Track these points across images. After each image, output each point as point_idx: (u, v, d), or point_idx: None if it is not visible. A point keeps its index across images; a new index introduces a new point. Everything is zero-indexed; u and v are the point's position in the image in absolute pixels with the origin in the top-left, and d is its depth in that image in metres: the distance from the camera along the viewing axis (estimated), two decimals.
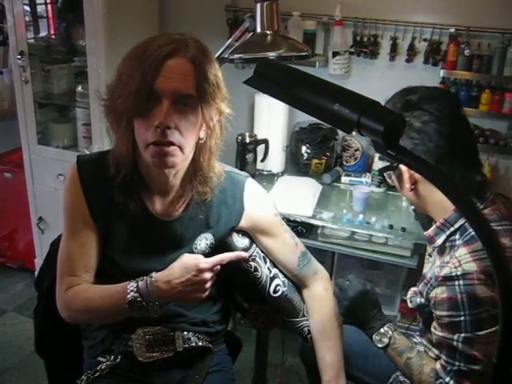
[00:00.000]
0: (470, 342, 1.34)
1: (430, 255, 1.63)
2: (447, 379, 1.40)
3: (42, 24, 3.43)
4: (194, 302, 1.58)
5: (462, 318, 1.34)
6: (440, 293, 1.38)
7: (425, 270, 1.62)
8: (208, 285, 1.40)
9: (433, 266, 1.53)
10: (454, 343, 1.37)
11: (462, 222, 1.43)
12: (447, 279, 1.36)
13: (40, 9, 3.40)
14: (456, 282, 1.34)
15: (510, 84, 2.77)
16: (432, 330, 1.46)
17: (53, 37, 3.42)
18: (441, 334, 1.41)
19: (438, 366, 1.45)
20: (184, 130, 1.32)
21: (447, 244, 1.48)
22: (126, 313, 1.38)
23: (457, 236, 1.44)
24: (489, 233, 0.78)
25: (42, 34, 3.44)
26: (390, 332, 1.54)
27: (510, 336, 0.78)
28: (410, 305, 1.60)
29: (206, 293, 1.41)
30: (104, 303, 1.41)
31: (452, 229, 1.45)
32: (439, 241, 1.49)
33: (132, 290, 1.35)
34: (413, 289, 1.60)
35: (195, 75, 1.31)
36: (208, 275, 1.39)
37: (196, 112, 1.34)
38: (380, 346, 1.54)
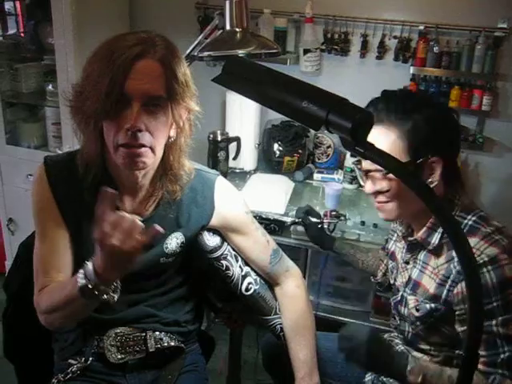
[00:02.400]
0: (507, 324, 1.34)
1: (407, 262, 1.60)
2: (500, 371, 1.36)
3: (11, 21, 3.38)
4: (165, 302, 1.58)
5: (495, 304, 1.33)
6: None
7: (414, 277, 1.56)
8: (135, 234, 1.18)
9: (424, 270, 1.51)
10: (494, 329, 1.34)
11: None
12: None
13: (8, 5, 3.34)
14: (484, 269, 1.33)
15: (479, 81, 2.81)
16: (459, 329, 1.43)
17: (22, 34, 3.36)
18: None
19: (480, 366, 1.38)
20: (154, 131, 1.31)
21: (444, 241, 1.46)
22: (82, 304, 1.28)
23: None
24: (459, 232, 0.79)
25: (11, 31, 3.38)
26: (416, 363, 1.46)
27: (478, 331, 0.79)
28: (416, 314, 1.52)
29: (140, 244, 1.19)
30: (61, 296, 1.33)
31: None
32: (434, 240, 1.47)
33: (81, 277, 1.24)
34: (412, 297, 1.55)
35: (165, 76, 1.29)
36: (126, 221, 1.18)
37: (166, 112, 1.33)
38: (420, 380, 1.43)
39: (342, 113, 0.80)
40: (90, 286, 1.22)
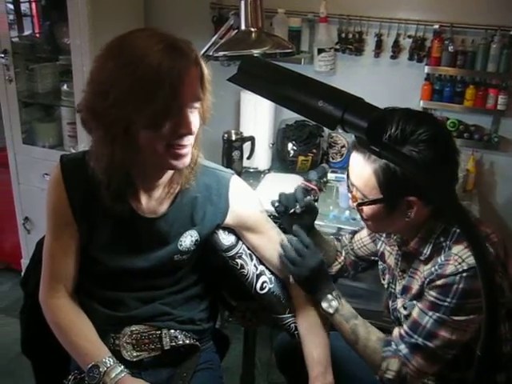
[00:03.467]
0: (440, 323, 1.38)
1: (403, 270, 1.59)
2: (401, 347, 1.44)
3: (26, 22, 3.40)
4: (180, 300, 1.59)
5: (447, 304, 1.36)
6: (440, 284, 1.38)
7: (405, 283, 1.57)
8: None
9: (414, 276, 1.52)
10: (426, 319, 1.40)
11: (442, 226, 1.44)
12: (453, 275, 1.36)
13: (24, 7, 3.37)
14: (458, 276, 1.34)
15: (494, 80, 2.79)
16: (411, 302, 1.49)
17: (37, 35, 3.39)
18: (419, 305, 1.43)
19: (395, 333, 1.49)
20: (195, 130, 1.36)
21: (434, 249, 1.46)
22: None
23: (441, 239, 1.44)
24: (473, 227, 0.79)
25: (27, 32, 3.40)
26: (338, 298, 1.56)
27: (493, 329, 0.79)
28: (404, 312, 1.55)
29: None
30: (71, 341, 1.51)
31: (435, 235, 1.46)
32: (426, 250, 1.47)
33: (92, 366, 1.45)
34: (399, 300, 1.58)
35: (200, 78, 1.34)
36: None
37: (199, 110, 1.37)
38: (331, 311, 1.55)
39: (358, 112, 0.81)
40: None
